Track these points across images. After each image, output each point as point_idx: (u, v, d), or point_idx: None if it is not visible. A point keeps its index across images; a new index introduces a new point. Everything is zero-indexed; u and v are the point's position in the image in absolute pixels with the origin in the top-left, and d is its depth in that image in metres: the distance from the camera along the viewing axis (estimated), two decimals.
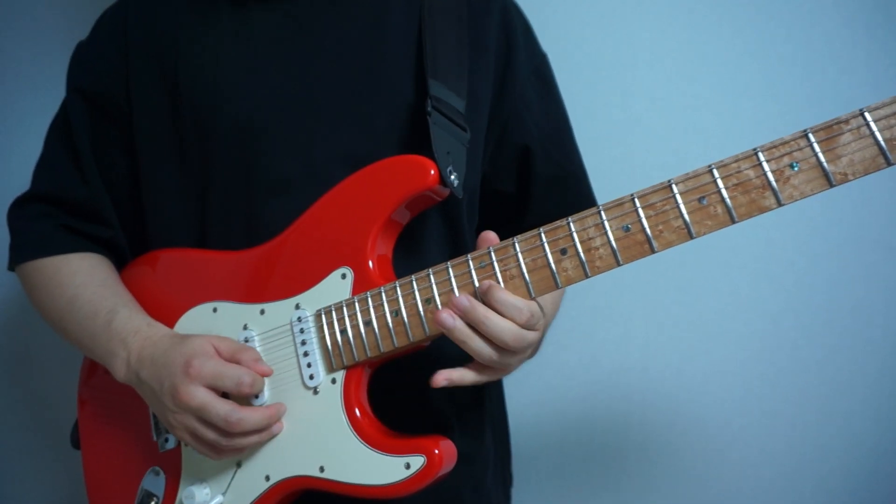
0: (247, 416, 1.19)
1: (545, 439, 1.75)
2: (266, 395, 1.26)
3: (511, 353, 1.15)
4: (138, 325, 1.31)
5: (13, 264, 1.48)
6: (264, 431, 1.23)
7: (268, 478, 1.25)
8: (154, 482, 1.35)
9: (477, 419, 1.46)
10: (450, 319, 1.12)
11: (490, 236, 1.17)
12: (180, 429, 1.23)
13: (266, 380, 1.27)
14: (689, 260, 1.64)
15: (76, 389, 1.52)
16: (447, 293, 1.15)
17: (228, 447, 1.22)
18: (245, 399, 1.24)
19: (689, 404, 1.68)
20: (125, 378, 1.29)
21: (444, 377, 1.16)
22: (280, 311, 1.28)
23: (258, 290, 1.31)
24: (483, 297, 1.12)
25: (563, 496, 1.75)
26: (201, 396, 1.18)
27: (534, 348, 1.25)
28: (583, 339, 1.74)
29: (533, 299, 1.13)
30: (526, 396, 1.75)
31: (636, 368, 1.70)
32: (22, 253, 1.46)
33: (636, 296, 1.71)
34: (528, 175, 1.48)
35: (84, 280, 1.39)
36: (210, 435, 1.20)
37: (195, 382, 1.18)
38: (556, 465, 1.74)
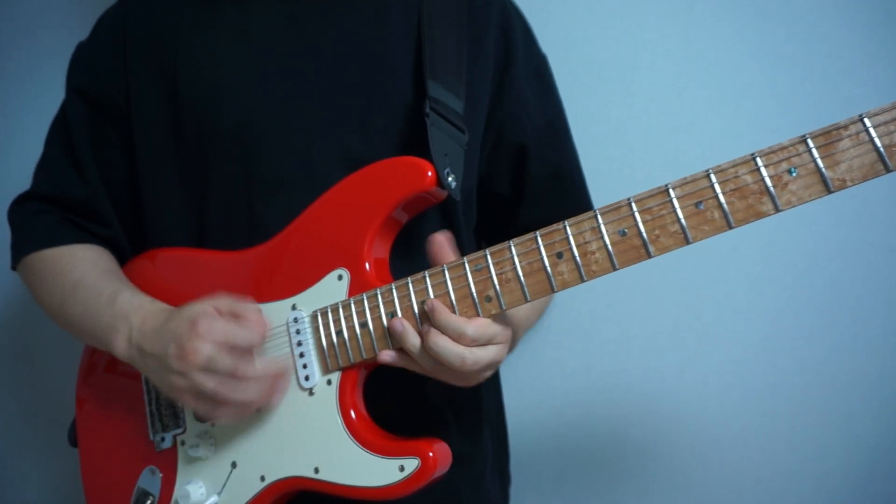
0: (253, 365, 1.20)
1: (544, 439, 1.74)
2: None
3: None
4: (141, 303, 1.31)
5: (16, 259, 1.47)
6: (265, 388, 1.22)
7: (263, 478, 1.25)
8: (150, 481, 1.36)
9: (475, 419, 1.46)
10: (399, 325, 1.16)
11: (440, 238, 1.19)
12: (185, 388, 1.18)
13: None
14: (690, 261, 1.64)
15: (75, 388, 1.52)
16: (443, 295, 1.15)
17: (230, 396, 1.18)
18: None
19: (689, 404, 1.68)
20: (126, 353, 1.27)
21: (388, 356, 1.19)
22: (276, 311, 1.28)
23: (255, 291, 1.31)
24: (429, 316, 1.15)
25: (562, 496, 1.74)
26: (209, 349, 1.14)
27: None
28: (582, 339, 1.74)
29: (491, 315, 1.15)
30: (525, 397, 1.75)
31: (636, 369, 1.70)
32: (25, 246, 1.46)
33: (636, 296, 1.70)
34: (523, 176, 1.48)
35: (88, 267, 1.40)
36: (211, 383, 1.16)
37: (203, 340, 1.15)
38: (556, 465, 1.74)
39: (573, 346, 1.74)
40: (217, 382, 1.17)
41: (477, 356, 1.14)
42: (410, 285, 1.18)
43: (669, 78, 1.70)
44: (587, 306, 1.73)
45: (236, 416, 1.24)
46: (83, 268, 1.39)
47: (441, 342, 1.12)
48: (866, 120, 0.92)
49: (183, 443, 1.33)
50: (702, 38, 1.68)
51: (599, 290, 1.70)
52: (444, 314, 1.13)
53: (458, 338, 1.12)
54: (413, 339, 1.15)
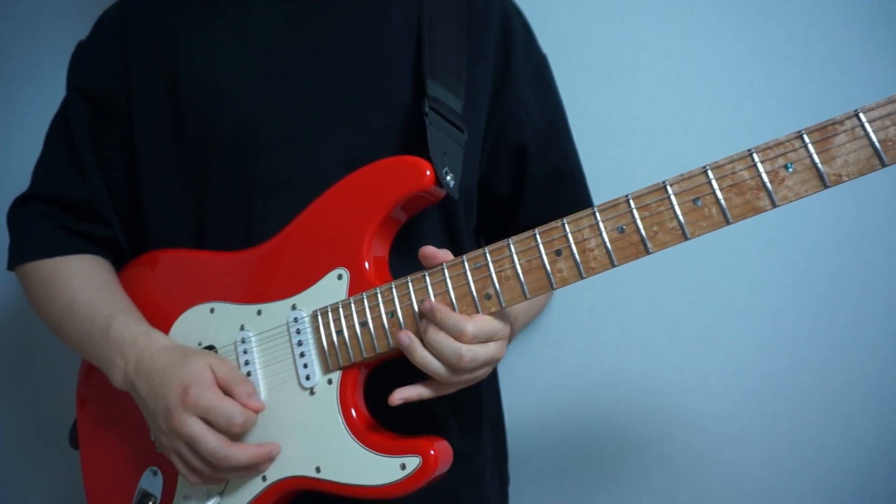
0: (234, 454, 1.19)
1: (544, 439, 1.74)
2: (263, 395, 1.27)
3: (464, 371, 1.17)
4: (135, 334, 1.31)
5: (12, 264, 1.48)
6: (250, 470, 1.24)
7: (265, 478, 1.25)
8: (152, 482, 1.35)
9: (475, 419, 1.46)
10: (406, 338, 1.16)
11: (429, 252, 1.18)
12: (169, 450, 1.24)
13: (263, 381, 1.28)
14: (689, 260, 1.64)
15: (75, 389, 1.52)
16: (443, 294, 1.15)
17: (212, 478, 1.24)
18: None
19: (689, 404, 1.67)
20: (122, 386, 1.30)
21: (400, 396, 1.19)
22: (277, 311, 1.29)
23: (255, 291, 1.31)
24: (428, 318, 1.15)
25: (561, 496, 1.74)
26: (192, 427, 1.18)
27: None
28: (582, 339, 1.73)
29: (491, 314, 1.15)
30: (525, 397, 1.75)
31: (635, 369, 1.70)
32: (21, 254, 1.46)
33: (635, 296, 1.70)
34: (523, 176, 1.49)
35: (82, 283, 1.39)
36: (196, 463, 1.21)
37: (189, 411, 1.19)
38: (555, 465, 1.74)
39: (573, 345, 1.74)
40: (199, 463, 1.21)
41: (475, 353, 1.14)
42: (410, 284, 1.18)
43: (669, 78, 1.70)
44: (587, 306, 1.73)
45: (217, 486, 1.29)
46: (77, 284, 1.39)
47: (439, 338, 1.13)
48: (861, 115, 0.92)
49: (172, 463, 1.32)
50: (702, 38, 1.68)
51: (599, 290, 1.70)
52: (443, 313, 1.13)
53: (458, 335, 1.12)
54: (421, 351, 1.15)
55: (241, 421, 1.21)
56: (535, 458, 1.74)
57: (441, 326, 1.13)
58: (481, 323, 1.14)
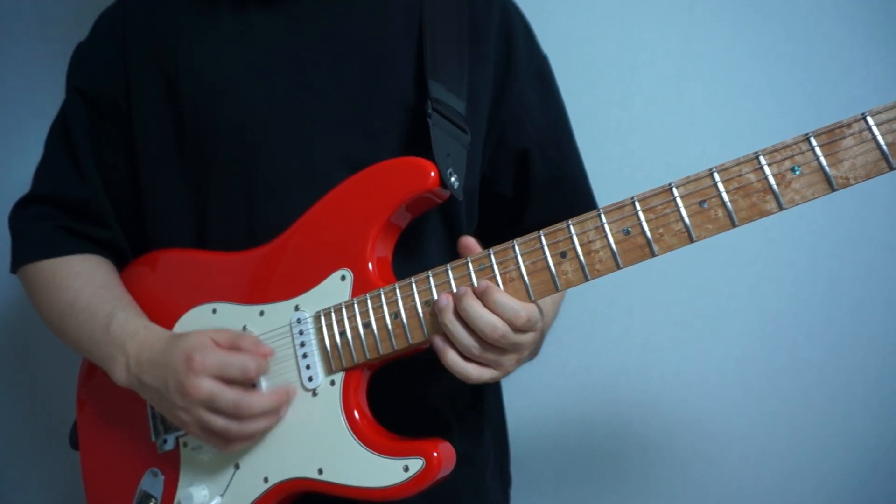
0: (256, 401, 1.19)
1: (545, 440, 1.74)
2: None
3: (498, 351, 1.14)
4: (135, 329, 1.31)
5: (15, 266, 1.48)
6: (273, 415, 1.23)
7: (266, 479, 1.24)
8: (152, 483, 1.35)
9: (476, 420, 1.46)
10: (444, 300, 1.12)
11: (469, 242, 1.17)
12: (191, 423, 1.22)
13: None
14: (690, 260, 1.63)
15: (75, 390, 1.52)
16: (447, 295, 1.14)
17: (238, 433, 1.21)
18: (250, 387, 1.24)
19: (689, 404, 1.68)
20: (126, 382, 1.29)
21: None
22: (279, 312, 1.28)
23: (258, 292, 1.31)
24: (481, 297, 1.11)
25: (563, 496, 1.74)
26: (208, 386, 1.17)
27: (532, 351, 1.25)
28: (582, 339, 1.74)
29: (533, 302, 1.12)
30: (526, 397, 1.75)
31: (636, 369, 1.70)
32: (23, 255, 1.46)
33: (636, 295, 1.71)
34: (525, 177, 1.48)
35: (84, 282, 1.39)
36: (220, 423, 1.19)
37: (200, 375, 1.18)
38: (556, 466, 1.74)
39: (574, 345, 1.74)
40: (224, 421, 1.19)
41: (509, 336, 1.11)
42: (414, 285, 1.18)
43: (669, 78, 1.70)
44: (588, 305, 1.73)
45: (247, 445, 1.26)
46: (78, 284, 1.39)
47: (475, 305, 1.10)
48: (869, 118, 0.92)
49: (185, 444, 1.33)
50: (702, 38, 1.68)
51: (600, 290, 1.69)
52: (498, 293, 1.10)
53: (513, 318, 1.09)
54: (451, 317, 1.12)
55: (255, 366, 1.21)
56: (536, 459, 1.74)
57: (493, 306, 1.10)
58: (533, 309, 1.12)
